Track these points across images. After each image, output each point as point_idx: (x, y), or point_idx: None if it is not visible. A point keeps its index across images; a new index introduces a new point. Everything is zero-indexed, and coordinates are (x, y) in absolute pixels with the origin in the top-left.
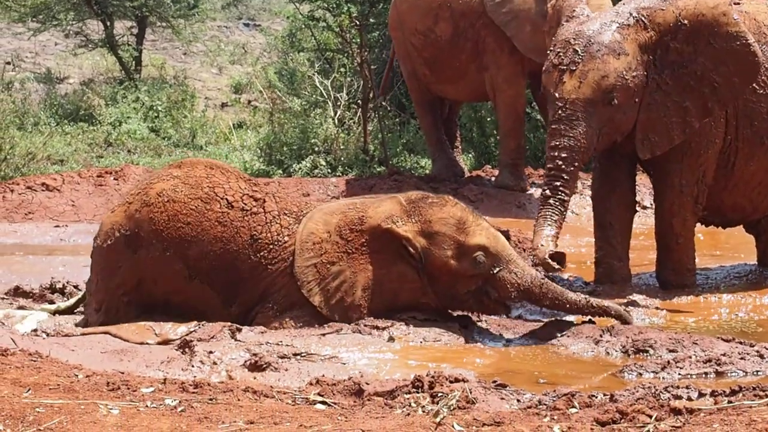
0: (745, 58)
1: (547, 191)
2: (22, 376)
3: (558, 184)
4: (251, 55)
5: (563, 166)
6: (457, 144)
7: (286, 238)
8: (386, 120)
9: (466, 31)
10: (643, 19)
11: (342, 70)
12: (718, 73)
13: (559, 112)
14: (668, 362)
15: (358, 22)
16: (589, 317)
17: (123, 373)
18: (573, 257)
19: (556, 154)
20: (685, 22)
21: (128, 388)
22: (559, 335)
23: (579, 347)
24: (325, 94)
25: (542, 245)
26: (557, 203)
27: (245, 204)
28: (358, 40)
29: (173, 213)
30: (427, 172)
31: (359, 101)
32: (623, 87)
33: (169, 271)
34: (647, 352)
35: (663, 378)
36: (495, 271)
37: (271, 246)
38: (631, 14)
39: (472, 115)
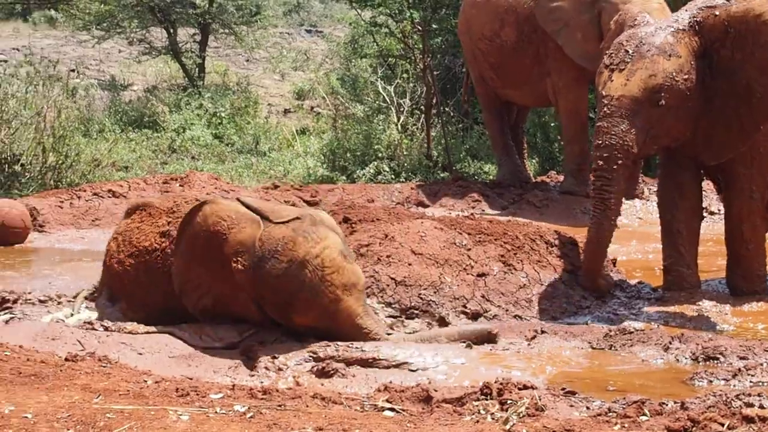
0: None
1: (593, 193)
2: (92, 381)
3: (600, 184)
4: (313, 61)
5: (605, 166)
6: (523, 150)
7: None
8: (449, 125)
9: (530, 36)
10: (697, 25)
11: (405, 75)
12: (761, 84)
13: (605, 109)
14: (739, 369)
15: (420, 28)
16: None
17: (192, 378)
18: (640, 263)
19: (599, 153)
20: (732, 29)
21: (197, 394)
22: (628, 342)
23: (648, 354)
24: (388, 100)
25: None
26: (602, 207)
27: None
28: (421, 45)
29: None
30: (491, 177)
31: (422, 107)
32: (672, 88)
33: None
34: (717, 359)
35: (734, 385)
36: None
37: None
38: (687, 20)
39: (535, 120)
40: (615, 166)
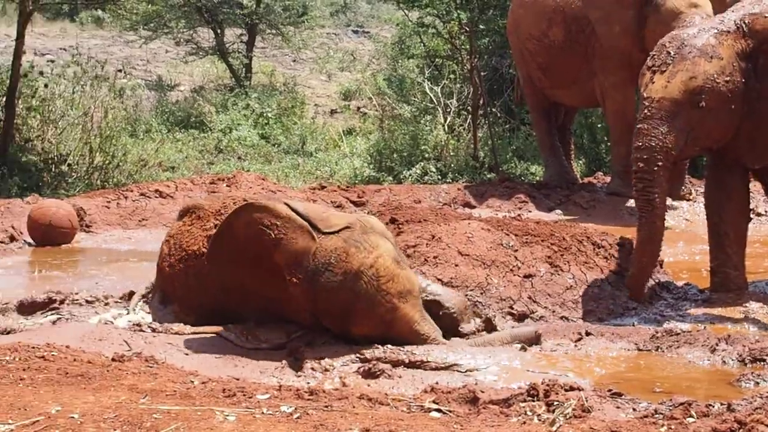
0: None
1: (637, 195)
2: (139, 382)
3: (642, 186)
4: (360, 61)
5: (645, 168)
6: (570, 151)
7: None
8: (496, 126)
9: (577, 36)
10: (744, 26)
11: (451, 76)
12: None
13: (645, 111)
14: None
15: (467, 29)
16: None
17: (238, 379)
18: (687, 265)
19: (638, 155)
20: None
21: (244, 395)
22: (674, 343)
23: (695, 355)
24: (434, 101)
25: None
26: (649, 207)
27: None
28: (468, 46)
29: None
30: (538, 178)
31: (469, 107)
32: (713, 90)
33: None
34: (764, 361)
35: None
36: None
37: None
38: (734, 21)
39: (582, 121)
40: (655, 168)
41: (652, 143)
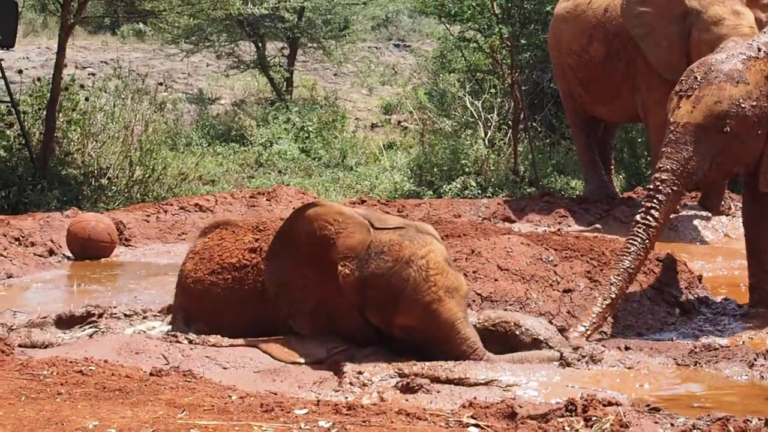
0: None
1: (640, 212)
2: (176, 396)
3: (650, 205)
4: (401, 75)
5: (661, 188)
6: (610, 166)
7: None
8: (536, 141)
9: (619, 51)
10: None
11: (492, 91)
12: None
13: (670, 135)
14: None
15: (509, 43)
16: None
17: (276, 394)
18: (726, 280)
19: (658, 176)
20: None
21: (282, 410)
22: (713, 358)
23: (733, 370)
24: (475, 115)
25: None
26: (642, 228)
27: None
28: (509, 60)
29: None
30: (579, 193)
31: (509, 122)
32: (738, 115)
33: None
34: None
35: None
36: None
37: None
38: (761, 46)
39: (623, 136)
40: (669, 191)
41: (673, 167)
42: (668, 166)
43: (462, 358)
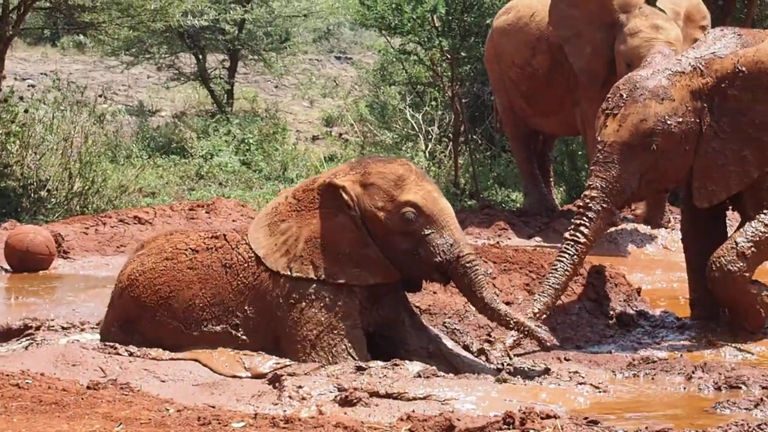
0: None
1: (569, 229)
2: (113, 410)
3: (579, 222)
4: (342, 88)
5: (590, 205)
6: (549, 178)
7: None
8: (477, 153)
9: (562, 64)
10: (700, 66)
11: (433, 103)
12: None
13: (598, 155)
14: (761, 399)
15: (449, 56)
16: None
17: (214, 407)
18: (665, 292)
19: (587, 193)
20: (744, 69)
21: (219, 423)
22: (651, 371)
23: (671, 383)
24: (416, 128)
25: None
26: (570, 245)
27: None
28: (450, 73)
29: None
30: (519, 205)
31: (450, 134)
32: (665, 132)
33: None
34: (740, 388)
35: (756, 414)
36: (425, 233)
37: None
38: (689, 62)
39: (563, 148)
40: (599, 208)
41: (602, 185)
42: (597, 184)
43: (458, 243)
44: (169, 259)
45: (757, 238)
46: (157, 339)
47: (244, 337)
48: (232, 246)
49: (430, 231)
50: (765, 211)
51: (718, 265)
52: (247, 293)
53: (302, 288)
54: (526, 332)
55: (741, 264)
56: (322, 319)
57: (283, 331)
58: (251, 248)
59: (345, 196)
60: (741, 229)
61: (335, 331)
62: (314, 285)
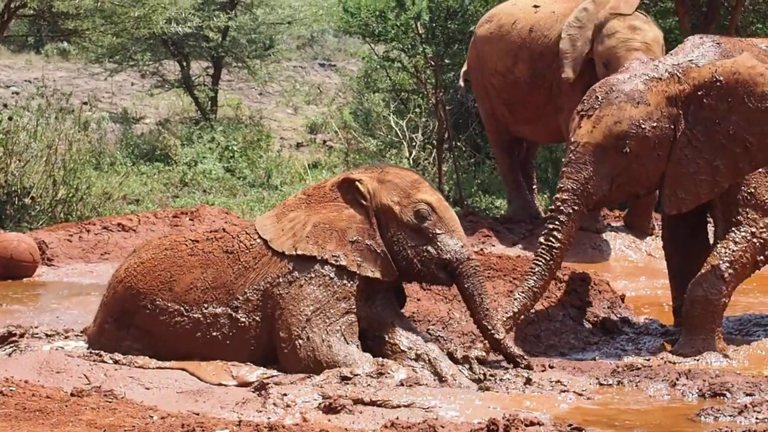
0: None
1: (543, 233)
2: (97, 417)
3: (552, 227)
4: (326, 95)
5: (561, 208)
6: (533, 185)
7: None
8: (461, 160)
9: (543, 72)
10: (677, 73)
11: (417, 110)
12: (752, 133)
13: (570, 155)
14: (745, 406)
15: (433, 63)
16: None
17: (198, 414)
18: (649, 299)
19: (558, 196)
20: (721, 78)
21: (203, 430)
22: (635, 378)
23: (655, 390)
24: (400, 135)
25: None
26: (545, 250)
27: None
28: (434, 80)
29: None
30: (503, 212)
31: (434, 141)
32: (638, 136)
33: None
34: (724, 395)
35: (740, 422)
36: (437, 232)
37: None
38: (666, 68)
39: (547, 155)
40: (570, 211)
41: (573, 186)
42: (569, 186)
43: (467, 247)
44: (168, 250)
45: (733, 259)
46: (153, 329)
47: (243, 319)
48: (232, 236)
49: (441, 231)
50: (734, 229)
51: (699, 292)
52: (248, 275)
53: (304, 266)
54: (507, 356)
55: (722, 288)
56: (320, 296)
57: (280, 307)
58: (253, 237)
59: (362, 188)
60: (715, 252)
61: (332, 310)
62: (317, 264)
